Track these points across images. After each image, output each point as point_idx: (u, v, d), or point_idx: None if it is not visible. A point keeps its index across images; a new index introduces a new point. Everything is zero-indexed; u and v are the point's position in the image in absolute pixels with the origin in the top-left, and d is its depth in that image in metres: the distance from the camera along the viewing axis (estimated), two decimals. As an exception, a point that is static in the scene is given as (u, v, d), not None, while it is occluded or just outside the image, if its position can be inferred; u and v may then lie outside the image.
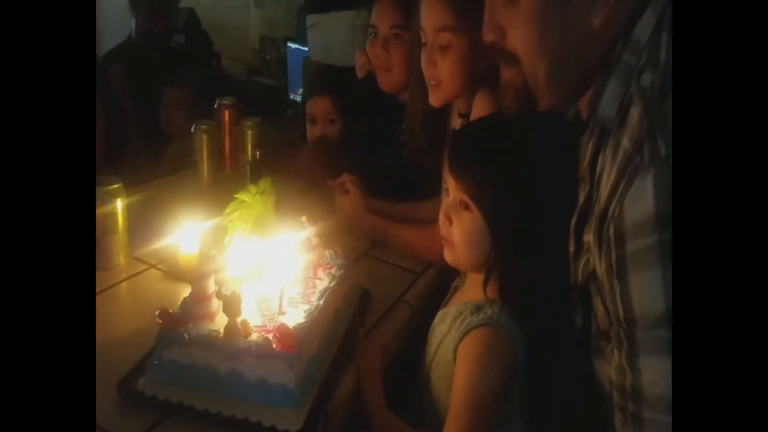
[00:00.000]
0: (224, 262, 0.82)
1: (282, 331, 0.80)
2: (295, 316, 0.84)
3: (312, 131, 1.62)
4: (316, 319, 0.85)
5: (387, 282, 1.18)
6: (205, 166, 1.54)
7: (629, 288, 0.65)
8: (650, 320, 0.63)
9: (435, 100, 1.24)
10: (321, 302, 0.87)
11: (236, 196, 0.88)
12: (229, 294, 0.78)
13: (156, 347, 0.81)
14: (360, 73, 1.63)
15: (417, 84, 1.30)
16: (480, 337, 0.87)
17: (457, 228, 0.90)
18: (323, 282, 0.92)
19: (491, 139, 0.93)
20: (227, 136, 1.58)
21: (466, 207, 0.89)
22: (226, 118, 1.58)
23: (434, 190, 1.27)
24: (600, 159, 0.72)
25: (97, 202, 1.06)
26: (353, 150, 1.56)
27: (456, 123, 1.30)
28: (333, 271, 0.94)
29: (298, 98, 2.65)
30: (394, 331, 1.06)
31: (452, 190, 0.91)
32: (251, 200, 0.88)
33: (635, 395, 0.66)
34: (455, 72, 1.18)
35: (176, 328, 0.78)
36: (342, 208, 1.34)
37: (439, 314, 1.00)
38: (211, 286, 0.80)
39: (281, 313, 0.84)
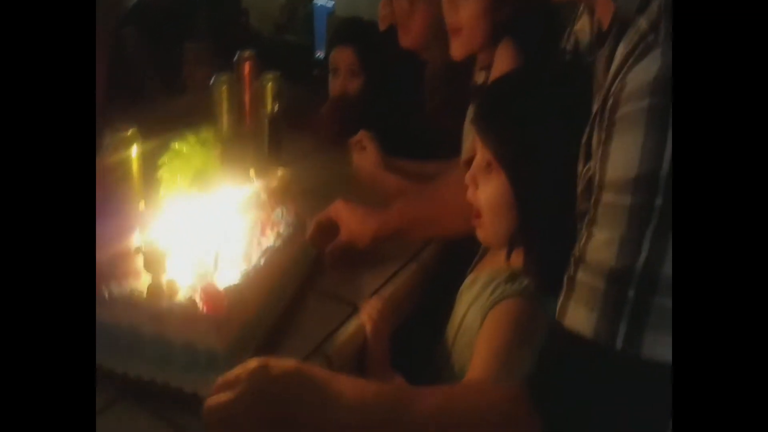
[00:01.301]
0: (154, 217, 0.76)
1: (208, 292, 0.74)
2: (232, 277, 0.77)
3: (334, 83, 1.58)
4: (252, 280, 0.78)
5: (401, 241, 1.10)
6: (225, 118, 1.50)
7: (609, 151, 0.59)
8: (619, 184, 0.57)
9: (457, 50, 1.16)
10: (261, 262, 0.80)
11: (172, 144, 0.82)
12: (150, 249, 0.73)
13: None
14: (382, 25, 1.54)
15: (439, 38, 1.23)
16: (512, 308, 0.80)
17: (483, 192, 0.83)
18: (268, 241, 0.84)
19: (515, 95, 0.85)
20: (247, 89, 1.53)
21: (492, 168, 0.82)
22: (247, 71, 1.52)
23: (456, 150, 1.21)
24: (616, 54, 0.65)
25: (111, 148, 1.03)
26: (374, 106, 1.50)
27: (479, 77, 1.23)
28: (280, 230, 0.86)
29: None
30: (405, 290, 1.01)
31: (479, 151, 0.84)
32: (189, 151, 0.81)
33: (578, 258, 0.61)
34: (478, 19, 1.10)
35: (97, 286, 0.74)
36: (358, 165, 1.30)
37: (469, 279, 0.93)
38: (135, 241, 0.75)
39: (215, 272, 0.77)
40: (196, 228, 0.79)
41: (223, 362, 0.73)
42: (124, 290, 0.74)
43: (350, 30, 1.63)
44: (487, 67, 1.18)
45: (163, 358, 0.74)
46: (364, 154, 1.30)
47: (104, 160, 1.03)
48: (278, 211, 0.88)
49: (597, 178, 0.61)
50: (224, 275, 0.77)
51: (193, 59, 1.87)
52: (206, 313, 0.73)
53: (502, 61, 1.11)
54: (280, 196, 1.03)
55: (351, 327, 0.89)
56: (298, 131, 1.55)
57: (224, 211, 0.82)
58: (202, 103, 1.52)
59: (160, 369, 0.74)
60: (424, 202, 1.06)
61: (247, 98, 1.54)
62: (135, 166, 1.06)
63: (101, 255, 0.76)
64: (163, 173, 0.81)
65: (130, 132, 1.04)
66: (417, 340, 0.98)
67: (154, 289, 0.74)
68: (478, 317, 0.83)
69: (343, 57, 1.55)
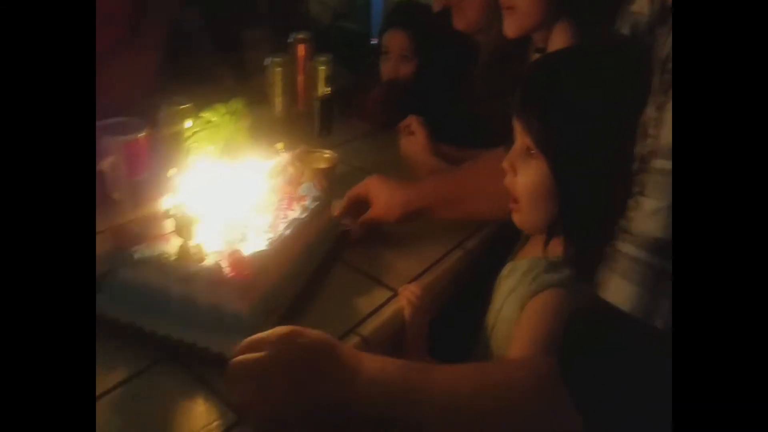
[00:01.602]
0: (185, 183, 0.79)
1: (235, 257, 0.76)
2: (258, 245, 0.79)
3: (385, 67, 1.57)
4: (277, 249, 0.80)
5: (447, 227, 1.09)
6: (279, 100, 1.54)
7: (665, 117, 0.56)
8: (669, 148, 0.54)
9: (510, 28, 1.12)
10: (287, 232, 0.81)
11: (201, 114, 0.84)
12: (180, 215, 0.76)
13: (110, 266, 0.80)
14: (436, 6, 1.51)
15: (493, 17, 1.20)
16: (552, 298, 0.77)
17: (522, 178, 0.80)
18: (295, 213, 0.86)
19: (561, 76, 0.80)
20: (301, 71, 1.56)
21: (532, 154, 0.78)
22: (301, 53, 1.55)
23: (508, 138, 1.19)
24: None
25: (165, 120, 1.08)
26: (425, 91, 1.48)
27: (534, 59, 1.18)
28: (306, 203, 0.87)
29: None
30: (447, 278, 1.00)
31: (518, 135, 0.81)
32: (219, 120, 0.83)
33: (623, 229, 0.59)
34: None
35: (127, 248, 0.77)
36: (406, 150, 1.29)
37: (507, 267, 0.91)
38: (165, 206, 0.78)
39: (242, 240, 0.80)
40: (224, 196, 0.81)
41: (247, 325, 0.76)
42: (155, 252, 0.78)
43: (403, 13, 1.60)
44: (543, 50, 1.14)
45: (190, 319, 0.77)
46: (413, 139, 1.29)
47: (160, 131, 1.08)
48: (305, 185, 0.89)
49: (650, 147, 0.58)
50: (250, 243, 0.79)
51: (252, 45, 1.92)
52: (232, 277, 0.75)
53: (559, 44, 1.07)
54: (328, 177, 1.05)
55: (389, 311, 0.89)
56: (349, 115, 1.57)
57: (252, 181, 0.84)
58: (258, 85, 1.56)
59: (188, 329, 0.76)
60: (452, 181, 1.05)
61: (300, 80, 1.57)
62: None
63: (138, 218, 0.80)
64: (194, 141, 0.83)
65: (185, 106, 1.08)
66: (456, 328, 0.96)
67: (183, 252, 0.77)
68: (517, 308, 0.81)
69: (396, 40, 1.54)
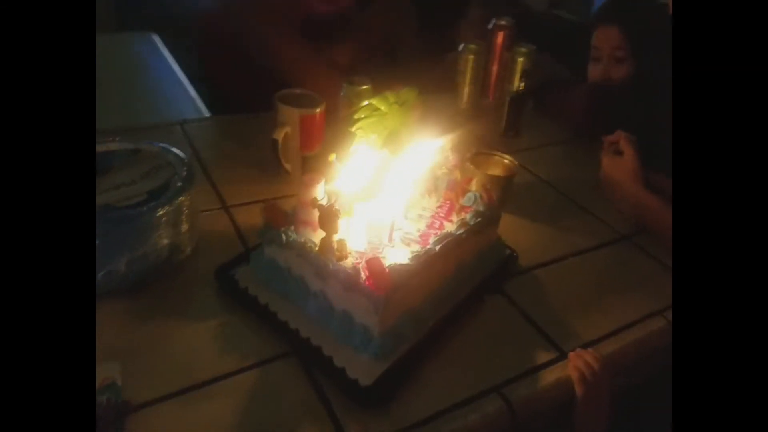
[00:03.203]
0: (341, 171, 0.72)
1: (372, 267, 0.67)
2: (401, 255, 0.70)
3: (593, 70, 1.36)
4: (422, 264, 0.69)
5: (648, 283, 0.90)
6: (467, 89, 1.43)
7: None
8: None
9: None
10: (437, 248, 0.70)
11: (370, 101, 0.74)
12: (325, 206, 0.69)
13: (262, 241, 0.77)
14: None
15: None
16: None
17: None
18: (452, 227, 0.74)
19: None
20: (496, 61, 1.43)
21: None
22: (499, 41, 1.42)
23: None
24: None
25: (343, 99, 1.06)
26: (639, 101, 1.24)
27: None
28: (467, 217, 0.74)
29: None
30: (637, 352, 0.80)
31: None
32: (386, 109, 0.73)
33: None
34: None
35: (279, 227, 0.73)
36: (609, 172, 1.09)
37: None
38: (317, 193, 0.71)
39: (386, 245, 0.70)
40: (377, 192, 0.72)
41: (377, 345, 0.68)
42: (299, 238, 0.72)
43: (620, 6, 1.35)
44: None
45: (321, 319, 0.71)
46: (619, 161, 1.08)
47: (341, 109, 1.04)
48: (470, 195, 0.76)
49: None
50: (394, 251, 0.71)
51: (466, 31, 1.82)
52: (367, 286, 0.67)
53: None
54: (503, 187, 0.91)
55: (550, 377, 0.71)
56: (545, 116, 1.40)
57: (411, 180, 0.74)
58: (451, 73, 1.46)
59: (317, 330, 0.71)
60: None
61: (494, 70, 1.44)
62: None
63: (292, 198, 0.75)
64: (358, 128, 0.75)
65: (365, 87, 1.03)
66: (646, 418, 0.79)
67: (324, 246, 0.71)
68: None
69: (608, 38, 1.31)
